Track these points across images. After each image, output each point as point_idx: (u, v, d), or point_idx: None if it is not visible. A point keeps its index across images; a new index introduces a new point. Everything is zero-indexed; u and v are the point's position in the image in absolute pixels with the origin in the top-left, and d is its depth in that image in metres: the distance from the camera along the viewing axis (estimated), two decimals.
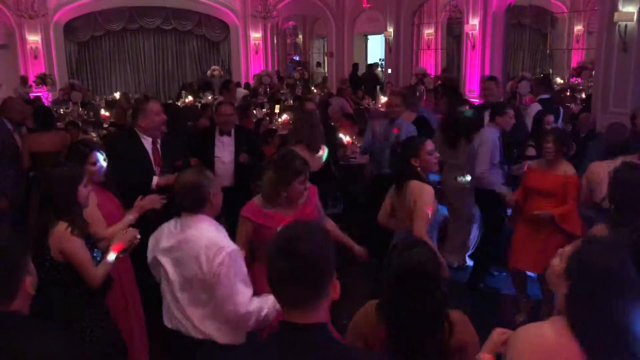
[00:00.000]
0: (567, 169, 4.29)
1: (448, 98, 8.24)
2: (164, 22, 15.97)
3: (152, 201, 3.50)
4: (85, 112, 10.74)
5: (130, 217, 3.39)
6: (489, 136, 5.06)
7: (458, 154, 5.58)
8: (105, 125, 9.26)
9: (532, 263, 4.35)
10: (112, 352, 2.97)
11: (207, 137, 5.41)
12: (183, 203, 2.64)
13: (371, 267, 5.63)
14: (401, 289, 2.14)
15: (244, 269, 2.58)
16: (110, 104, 11.88)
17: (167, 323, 2.73)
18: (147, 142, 4.25)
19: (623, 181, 3.02)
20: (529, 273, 4.65)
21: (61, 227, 2.77)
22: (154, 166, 4.24)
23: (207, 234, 2.58)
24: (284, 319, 1.55)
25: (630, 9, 7.33)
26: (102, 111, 10.58)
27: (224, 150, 5.28)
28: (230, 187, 5.15)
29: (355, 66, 15.91)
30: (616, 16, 7.47)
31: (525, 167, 4.74)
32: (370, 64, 16.46)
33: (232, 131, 5.34)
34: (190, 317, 2.59)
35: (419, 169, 3.62)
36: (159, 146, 4.31)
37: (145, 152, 4.22)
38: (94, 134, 8.35)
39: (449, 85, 12.22)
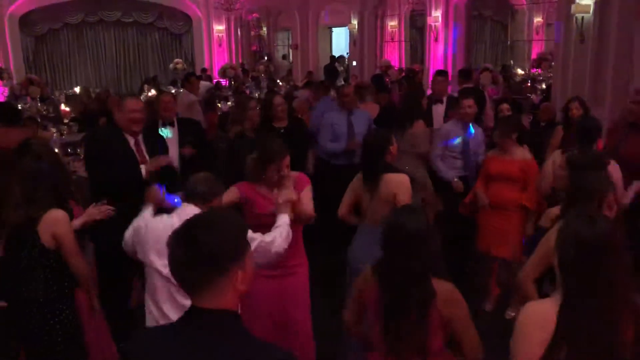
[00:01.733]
0: (525, 154, 4.49)
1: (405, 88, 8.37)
2: (124, 15, 15.66)
3: (101, 213, 3.35)
4: (45, 107, 10.48)
5: (77, 222, 3.25)
6: (444, 124, 5.23)
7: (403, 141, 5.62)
8: (66, 121, 9.05)
9: (502, 247, 4.48)
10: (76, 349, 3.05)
11: (151, 130, 5.22)
12: (195, 189, 2.76)
13: (329, 264, 5.69)
14: (390, 249, 2.37)
15: None
16: (70, 99, 11.61)
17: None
18: (130, 138, 4.13)
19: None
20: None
21: (56, 213, 2.91)
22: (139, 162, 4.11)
23: None
24: (192, 303, 1.58)
25: (587, 1, 7.51)
26: (62, 106, 10.33)
27: (167, 142, 5.09)
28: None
29: (332, 58, 15.91)
30: (573, 8, 7.64)
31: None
32: (332, 57, 16.49)
33: (175, 123, 5.23)
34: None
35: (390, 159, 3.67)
36: (142, 144, 4.19)
37: (128, 147, 4.10)
38: (54, 130, 8.15)
39: (407, 76, 12.36)
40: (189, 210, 2.69)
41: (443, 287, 2.36)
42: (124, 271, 4.09)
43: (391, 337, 2.35)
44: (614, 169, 3.74)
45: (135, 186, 3.70)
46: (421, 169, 5.38)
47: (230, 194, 3.35)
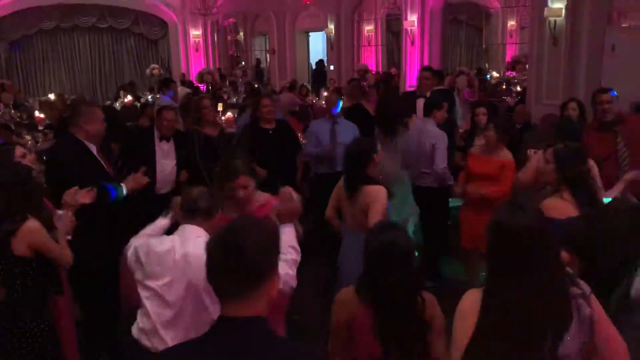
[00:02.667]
0: (506, 155, 4.60)
1: (382, 91, 8.45)
2: (99, 20, 15.49)
3: (74, 194, 3.28)
4: (18, 114, 10.32)
5: (65, 213, 3.22)
6: (439, 132, 5.17)
7: (395, 145, 5.64)
8: (40, 128, 8.92)
9: (480, 240, 4.52)
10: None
11: (147, 142, 5.17)
12: (197, 204, 2.67)
13: (319, 266, 5.73)
14: (380, 266, 2.34)
15: None
16: (44, 106, 11.44)
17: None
18: (92, 148, 3.97)
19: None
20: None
21: (32, 223, 2.88)
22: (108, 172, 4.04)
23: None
24: (222, 313, 1.58)
25: (559, 4, 7.67)
26: (37, 113, 10.18)
27: (166, 157, 5.16)
28: (169, 192, 5.05)
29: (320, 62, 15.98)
30: (546, 12, 7.79)
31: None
32: (320, 61, 16.61)
33: (171, 138, 5.21)
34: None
35: (375, 166, 3.68)
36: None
37: (96, 158, 3.99)
38: (28, 137, 8.03)
39: (383, 80, 12.46)
40: (192, 231, 2.66)
41: (423, 294, 2.45)
42: (101, 286, 4.01)
43: (395, 354, 2.36)
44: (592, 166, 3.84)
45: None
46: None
47: None
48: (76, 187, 3.32)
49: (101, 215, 3.72)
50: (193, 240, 2.60)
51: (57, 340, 3.10)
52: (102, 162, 3.99)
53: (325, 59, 16.90)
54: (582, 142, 4.58)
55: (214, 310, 2.43)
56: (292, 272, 2.70)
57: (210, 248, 1.58)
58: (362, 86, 6.76)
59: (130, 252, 2.79)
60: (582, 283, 1.96)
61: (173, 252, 2.61)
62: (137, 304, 3.00)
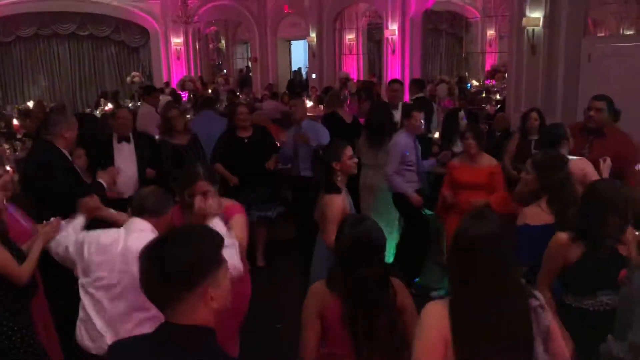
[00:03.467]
0: (490, 161, 4.67)
1: (371, 101, 8.47)
2: (79, 28, 15.37)
3: (54, 228, 3.13)
4: None
5: (35, 250, 3.05)
6: (398, 139, 5.20)
7: (378, 156, 5.63)
8: (19, 136, 8.80)
9: None
10: None
11: (105, 145, 5.11)
12: (144, 204, 2.73)
13: (299, 273, 5.74)
14: (353, 257, 2.37)
15: None
16: (23, 114, 11.30)
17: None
18: (68, 155, 4.06)
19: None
20: None
21: None
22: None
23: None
24: (165, 319, 1.57)
25: (537, 14, 7.80)
26: (15, 121, 10.05)
27: (125, 159, 5.05)
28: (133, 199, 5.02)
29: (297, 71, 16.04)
30: (524, 21, 7.92)
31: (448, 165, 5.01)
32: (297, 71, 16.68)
33: (131, 138, 5.15)
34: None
35: (339, 172, 3.62)
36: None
37: (73, 165, 4.05)
38: (6, 146, 7.92)
39: (364, 88, 12.52)
40: (137, 224, 2.70)
41: (394, 283, 2.49)
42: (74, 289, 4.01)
43: (365, 347, 2.36)
44: (586, 164, 3.94)
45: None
46: None
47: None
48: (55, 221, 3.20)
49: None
50: (136, 234, 2.65)
51: (39, 345, 3.04)
52: (76, 168, 4.08)
53: (305, 67, 16.97)
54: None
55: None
56: (237, 257, 2.69)
57: (141, 256, 1.59)
58: (339, 94, 6.77)
59: (72, 248, 2.78)
60: (539, 295, 2.01)
61: (116, 244, 2.67)
62: None
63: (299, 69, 16.29)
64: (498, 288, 1.86)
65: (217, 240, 1.64)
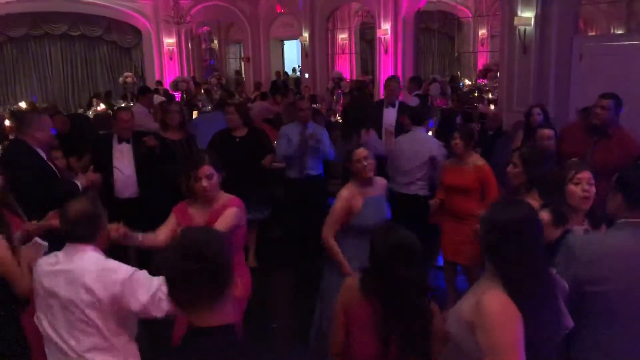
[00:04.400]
0: (476, 160, 4.57)
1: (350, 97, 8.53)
2: (71, 28, 15.31)
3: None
4: None
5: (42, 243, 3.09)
6: (440, 144, 5.27)
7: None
8: (11, 137, 8.76)
9: (462, 254, 4.56)
10: None
11: (105, 145, 5.17)
12: (75, 231, 2.46)
13: (299, 270, 5.77)
14: (392, 264, 2.37)
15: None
16: (15, 115, 11.24)
17: None
18: (42, 154, 4.06)
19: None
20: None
21: None
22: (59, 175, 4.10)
23: (94, 260, 2.46)
24: (189, 324, 1.56)
25: (528, 14, 7.85)
26: (7, 122, 10.00)
27: (123, 159, 5.10)
28: (134, 199, 5.03)
29: (277, 74, 16.02)
30: (516, 21, 7.97)
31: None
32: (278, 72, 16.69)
33: (131, 139, 5.17)
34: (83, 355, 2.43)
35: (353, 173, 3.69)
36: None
37: (46, 162, 4.05)
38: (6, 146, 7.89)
39: (357, 87, 12.58)
40: (73, 248, 2.49)
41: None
42: None
43: (396, 350, 2.37)
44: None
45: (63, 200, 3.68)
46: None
47: (170, 221, 3.36)
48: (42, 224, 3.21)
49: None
50: (78, 255, 2.46)
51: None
52: (52, 167, 4.07)
53: (299, 66, 16.96)
54: (558, 148, 4.67)
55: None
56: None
57: (173, 259, 1.55)
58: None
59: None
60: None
61: (60, 270, 2.47)
62: None
63: (278, 72, 16.16)
64: (538, 277, 1.98)
65: (225, 237, 1.80)
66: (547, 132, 4.61)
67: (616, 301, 2.29)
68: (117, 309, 2.39)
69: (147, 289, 2.36)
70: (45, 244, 2.97)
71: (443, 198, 4.71)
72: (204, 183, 3.21)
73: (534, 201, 3.18)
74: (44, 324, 2.49)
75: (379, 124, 6.24)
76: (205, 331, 1.53)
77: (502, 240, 1.96)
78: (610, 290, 2.29)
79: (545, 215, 2.80)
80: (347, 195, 3.64)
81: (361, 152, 3.69)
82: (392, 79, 6.94)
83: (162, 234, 3.26)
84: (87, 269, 2.40)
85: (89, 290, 2.36)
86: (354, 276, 2.59)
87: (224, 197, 3.37)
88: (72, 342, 2.42)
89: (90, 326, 2.40)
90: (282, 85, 14.51)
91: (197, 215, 3.31)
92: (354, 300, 2.46)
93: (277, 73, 15.81)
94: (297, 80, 16.81)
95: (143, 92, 8.45)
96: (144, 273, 2.44)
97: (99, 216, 2.53)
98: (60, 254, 2.51)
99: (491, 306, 1.93)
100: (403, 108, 6.35)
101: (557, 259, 2.40)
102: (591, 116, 4.73)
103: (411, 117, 5.55)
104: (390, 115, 6.31)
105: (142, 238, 3.19)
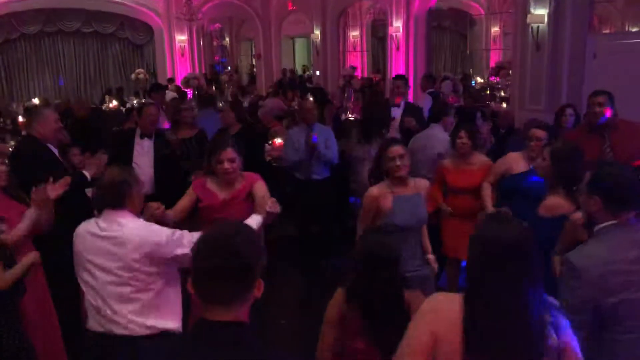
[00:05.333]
0: (482, 160, 4.56)
1: (366, 97, 8.52)
2: (84, 25, 15.41)
3: (44, 191, 3.36)
4: (2, 119, 10.23)
5: (30, 211, 3.29)
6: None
7: (371, 149, 5.63)
8: (24, 133, 8.83)
9: (464, 249, 4.52)
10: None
11: (128, 140, 5.17)
12: (105, 199, 2.66)
13: (305, 269, 5.78)
14: (369, 267, 2.43)
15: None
16: (28, 111, 11.34)
17: (96, 327, 2.66)
18: (53, 149, 4.10)
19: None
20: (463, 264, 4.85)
21: None
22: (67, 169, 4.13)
23: (137, 224, 2.65)
24: (204, 316, 1.54)
25: (542, 11, 7.78)
26: (20, 118, 10.09)
27: (143, 156, 5.09)
28: (149, 195, 5.03)
29: (283, 71, 16.00)
30: (529, 18, 7.91)
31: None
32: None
33: (153, 135, 5.18)
34: (125, 315, 2.57)
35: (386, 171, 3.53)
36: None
37: (55, 157, 4.08)
38: (12, 142, 7.95)
39: (369, 85, 12.57)
40: (111, 214, 2.64)
41: (412, 296, 2.56)
42: (75, 288, 4.06)
43: (381, 348, 2.41)
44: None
45: (77, 196, 3.72)
46: None
47: (188, 196, 3.56)
48: (45, 185, 3.36)
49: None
50: (119, 220, 2.62)
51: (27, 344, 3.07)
52: (63, 162, 4.12)
53: (310, 64, 16.95)
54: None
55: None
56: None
57: (201, 251, 1.54)
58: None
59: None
60: (560, 313, 1.87)
61: (106, 235, 2.63)
62: None
63: (284, 69, 16.08)
64: (515, 294, 1.77)
65: (257, 234, 1.77)
66: (539, 132, 4.37)
67: (629, 307, 2.24)
68: (162, 270, 2.59)
69: (189, 243, 2.54)
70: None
71: (442, 198, 4.66)
72: (226, 165, 3.42)
73: (558, 198, 3.22)
74: (87, 289, 2.65)
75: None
76: (222, 324, 1.51)
77: (483, 255, 1.83)
78: (624, 299, 2.22)
79: (577, 216, 2.78)
80: (375, 193, 3.53)
81: (397, 149, 3.48)
82: (398, 77, 6.94)
83: (179, 207, 3.48)
84: (132, 233, 2.57)
85: (135, 252, 2.54)
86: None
87: (244, 176, 3.58)
88: (116, 307, 2.56)
89: (136, 289, 2.56)
90: (288, 83, 14.51)
91: (218, 192, 3.52)
92: (344, 312, 2.50)
93: (283, 71, 15.75)
94: (302, 79, 16.74)
95: (156, 89, 8.49)
96: (185, 232, 2.66)
97: (129, 184, 2.67)
98: (99, 221, 2.64)
99: (430, 302, 1.93)
100: (410, 108, 6.34)
101: (562, 284, 2.31)
102: (592, 117, 4.67)
103: (430, 114, 5.52)
104: (396, 115, 6.31)
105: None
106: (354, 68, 14.03)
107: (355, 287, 2.49)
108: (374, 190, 3.54)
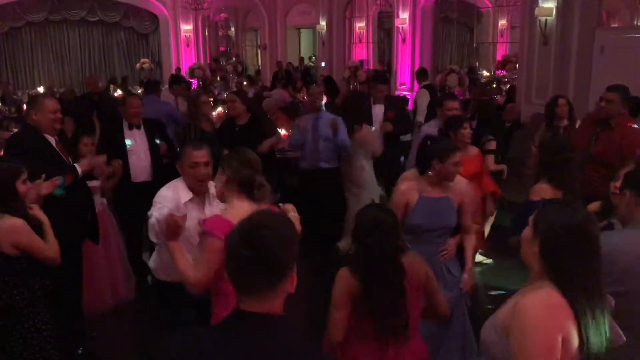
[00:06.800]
0: (474, 148, 4.61)
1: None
2: (89, 14, 15.39)
3: (38, 187, 3.34)
4: (7, 107, 10.23)
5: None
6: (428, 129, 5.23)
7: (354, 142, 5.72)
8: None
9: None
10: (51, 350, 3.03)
11: (116, 133, 5.13)
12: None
13: (310, 259, 5.77)
14: (369, 239, 2.48)
15: None
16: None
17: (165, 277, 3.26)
18: (51, 139, 3.99)
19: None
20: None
21: (11, 221, 2.79)
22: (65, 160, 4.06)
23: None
24: (238, 307, 1.54)
25: (550, 4, 7.71)
26: (25, 106, 10.08)
27: (138, 144, 5.08)
28: (148, 182, 5.04)
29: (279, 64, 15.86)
30: (537, 11, 7.83)
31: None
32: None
33: (141, 124, 5.16)
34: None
35: (436, 172, 3.39)
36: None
37: (52, 147, 3.99)
38: (16, 130, 7.96)
39: (373, 77, 12.49)
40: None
41: (409, 259, 2.59)
42: (75, 275, 4.11)
43: (377, 320, 2.47)
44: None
45: (75, 186, 3.71)
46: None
47: None
48: (39, 180, 3.33)
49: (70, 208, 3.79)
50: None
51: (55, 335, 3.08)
52: (59, 152, 4.00)
53: (314, 56, 16.86)
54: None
55: None
56: None
57: (232, 241, 1.53)
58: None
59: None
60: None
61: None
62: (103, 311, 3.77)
63: (279, 62, 15.84)
64: (595, 279, 1.81)
65: (296, 229, 1.68)
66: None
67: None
68: None
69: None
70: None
71: None
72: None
73: (547, 185, 3.33)
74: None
75: (370, 120, 6.31)
76: (257, 315, 1.51)
77: (560, 247, 1.81)
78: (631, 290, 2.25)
79: (593, 207, 2.83)
80: (404, 188, 3.46)
81: (458, 156, 3.39)
82: (380, 81, 7.13)
83: None
84: None
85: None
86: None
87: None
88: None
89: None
90: (284, 76, 14.43)
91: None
92: (352, 284, 2.52)
93: (278, 63, 15.53)
94: (306, 70, 16.64)
95: (177, 81, 8.54)
96: None
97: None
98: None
99: (527, 307, 1.78)
100: (390, 102, 6.55)
101: None
102: (597, 109, 4.70)
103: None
104: (376, 113, 6.42)
105: None
106: (361, 62, 13.95)
107: (357, 258, 2.54)
108: (402, 185, 3.49)
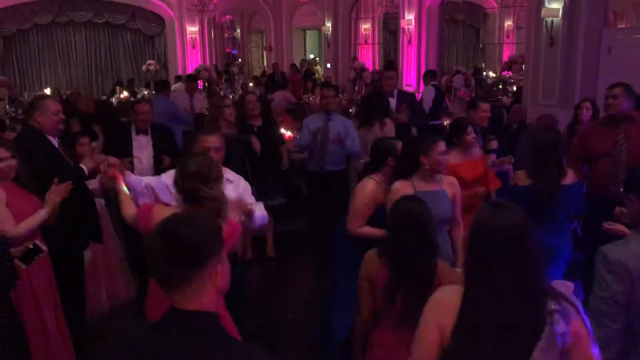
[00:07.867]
0: (477, 150, 4.59)
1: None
2: (95, 16, 15.44)
3: (60, 191, 3.36)
4: (14, 109, 10.27)
5: (42, 212, 3.29)
6: None
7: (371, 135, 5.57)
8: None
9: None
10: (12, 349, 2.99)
11: (124, 136, 5.16)
12: None
13: (310, 265, 5.76)
14: (400, 230, 2.61)
15: None
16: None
17: None
18: (53, 141, 3.99)
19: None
20: None
21: None
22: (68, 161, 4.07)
23: None
24: (172, 305, 1.57)
25: (556, 5, 7.67)
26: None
27: (143, 150, 5.10)
28: None
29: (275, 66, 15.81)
30: (543, 12, 7.80)
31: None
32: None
33: (149, 130, 5.17)
34: None
35: (427, 167, 3.44)
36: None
37: (54, 148, 3.99)
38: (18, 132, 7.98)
39: (379, 78, 12.49)
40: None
41: (442, 265, 2.68)
42: (80, 278, 4.11)
43: (399, 311, 2.56)
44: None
45: (75, 187, 3.68)
46: None
47: None
48: (57, 186, 3.34)
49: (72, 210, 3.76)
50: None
51: (20, 328, 3.06)
52: (62, 153, 4.00)
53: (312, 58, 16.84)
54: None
55: None
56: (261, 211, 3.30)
57: (149, 237, 1.57)
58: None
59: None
60: (569, 302, 1.83)
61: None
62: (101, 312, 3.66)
63: (275, 64, 15.70)
64: (516, 282, 1.76)
65: (219, 224, 1.73)
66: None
67: None
68: None
69: None
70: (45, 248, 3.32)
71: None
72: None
73: (520, 175, 3.79)
74: None
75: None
76: (183, 313, 1.54)
77: (479, 245, 1.83)
78: None
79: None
80: (399, 186, 3.47)
81: (443, 145, 3.47)
82: (389, 68, 7.06)
83: None
84: None
85: None
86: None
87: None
88: None
89: None
90: (280, 79, 14.39)
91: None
92: (375, 268, 2.66)
93: (275, 65, 15.42)
94: (308, 72, 16.59)
95: (193, 79, 9.01)
96: None
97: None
98: None
99: (440, 295, 1.96)
100: (402, 97, 6.48)
101: (598, 276, 2.25)
102: (605, 109, 4.66)
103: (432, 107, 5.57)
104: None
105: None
106: (363, 64, 13.96)
107: (387, 245, 2.66)
108: (398, 184, 3.49)
